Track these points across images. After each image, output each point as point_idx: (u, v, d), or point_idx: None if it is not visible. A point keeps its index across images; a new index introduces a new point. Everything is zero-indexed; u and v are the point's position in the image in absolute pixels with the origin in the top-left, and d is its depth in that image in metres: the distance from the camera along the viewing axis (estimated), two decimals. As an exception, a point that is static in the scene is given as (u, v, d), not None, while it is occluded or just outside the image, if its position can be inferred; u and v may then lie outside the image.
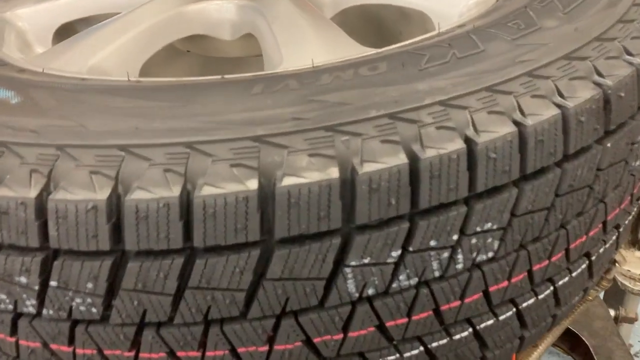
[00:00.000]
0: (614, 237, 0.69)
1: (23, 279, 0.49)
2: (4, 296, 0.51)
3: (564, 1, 0.66)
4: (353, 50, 0.66)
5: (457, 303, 0.56)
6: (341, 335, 0.54)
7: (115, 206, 0.47)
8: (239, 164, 0.47)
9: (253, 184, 0.46)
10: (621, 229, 0.69)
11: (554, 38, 0.59)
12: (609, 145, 0.57)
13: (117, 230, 0.47)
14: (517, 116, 0.51)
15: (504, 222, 0.53)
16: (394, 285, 0.52)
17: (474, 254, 0.53)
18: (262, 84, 0.54)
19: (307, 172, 0.46)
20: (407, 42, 0.62)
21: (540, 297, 0.62)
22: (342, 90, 0.52)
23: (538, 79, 0.54)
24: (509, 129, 0.50)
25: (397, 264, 0.51)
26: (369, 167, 0.47)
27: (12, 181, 0.47)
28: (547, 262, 0.59)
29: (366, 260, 0.50)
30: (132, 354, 0.53)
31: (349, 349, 0.55)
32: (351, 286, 0.51)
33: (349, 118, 0.50)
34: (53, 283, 0.50)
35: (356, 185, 0.47)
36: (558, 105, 0.52)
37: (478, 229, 0.52)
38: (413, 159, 0.48)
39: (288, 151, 0.47)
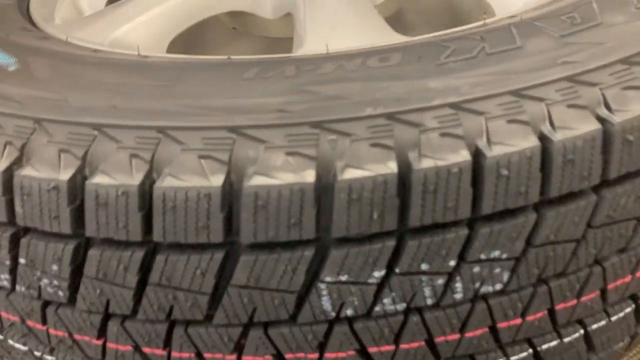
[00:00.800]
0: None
1: (-6, 253, 0.48)
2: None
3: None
4: (387, 38, 0.59)
5: (456, 336, 0.48)
6: (316, 355, 0.48)
7: (79, 189, 0.44)
8: (207, 156, 0.42)
9: (218, 180, 0.41)
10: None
11: (614, 37, 0.50)
12: (667, 172, 0.47)
13: (79, 215, 0.44)
14: (546, 128, 0.43)
15: (517, 251, 0.45)
16: (377, 308, 0.46)
17: (477, 284, 0.46)
18: (258, 69, 0.49)
19: (280, 173, 0.41)
20: (440, 32, 0.54)
21: (566, 340, 0.53)
22: (342, 81, 0.46)
23: (581, 85, 0.45)
24: (530, 143, 0.42)
25: (381, 286, 0.44)
26: (350, 174, 0.41)
27: (-16, 151, 0.46)
28: (574, 302, 0.50)
29: (343, 278, 0.44)
30: (100, 342, 0.51)
31: (327, 371, 0.49)
32: (326, 304, 0.45)
33: (341, 114, 0.43)
34: (22, 260, 0.48)
35: (335, 193, 0.41)
36: (601, 119, 0.44)
37: (483, 257, 0.44)
38: (405, 169, 0.41)
39: (265, 147, 0.42)
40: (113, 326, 0.49)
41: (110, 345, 0.51)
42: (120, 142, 0.44)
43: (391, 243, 0.43)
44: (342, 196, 0.41)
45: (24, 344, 0.57)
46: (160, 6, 0.71)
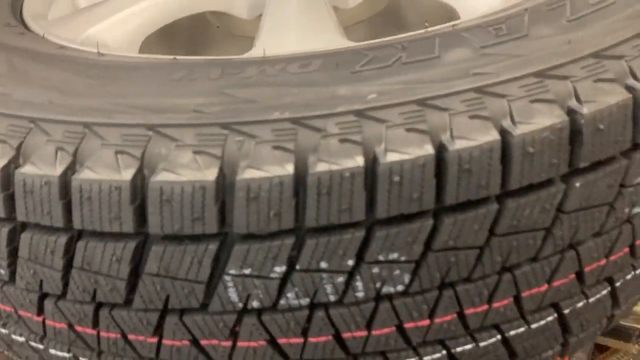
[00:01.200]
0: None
1: None
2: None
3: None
4: (332, 43, 0.61)
5: (363, 333, 0.50)
6: (230, 343, 0.51)
7: (11, 177, 0.48)
8: (123, 151, 0.45)
9: (128, 175, 0.44)
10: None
11: (536, 49, 0.50)
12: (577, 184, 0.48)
13: (11, 201, 0.48)
14: (445, 137, 0.44)
15: (415, 254, 0.46)
16: (282, 302, 0.48)
17: (378, 285, 0.48)
18: (187, 70, 0.52)
19: (184, 170, 0.44)
20: (369, 41, 0.56)
21: (482, 344, 0.54)
22: (259, 86, 0.49)
23: (488, 96, 0.46)
24: (424, 151, 0.43)
25: (283, 281, 0.47)
26: (249, 174, 0.43)
27: None
28: (485, 307, 0.52)
29: (247, 272, 0.46)
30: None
31: (240, 358, 0.52)
32: (233, 295, 0.48)
33: (250, 117, 0.46)
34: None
35: (235, 192, 0.44)
36: (503, 131, 0.45)
37: (381, 258, 0.46)
38: (301, 171, 0.43)
39: (176, 145, 0.45)
40: (48, 304, 0.53)
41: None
42: (50, 136, 0.48)
43: (290, 241, 0.45)
44: (242, 194, 0.43)
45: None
46: (134, 6, 0.74)
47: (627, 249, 0.56)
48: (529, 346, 0.58)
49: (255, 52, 0.62)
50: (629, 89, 0.48)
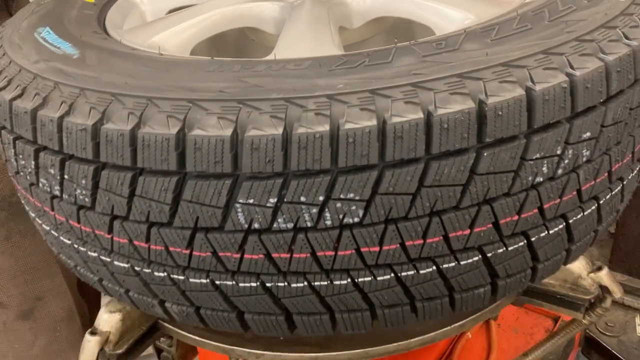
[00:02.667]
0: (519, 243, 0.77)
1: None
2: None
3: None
4: (327, 51, 0.84)
5: (332, 253, 0.71)
6: (239, 255, 0.73)
7: (98, 132, 0.71)
8: (172, 116, 0.68)
9: (174, 130, 0.67)
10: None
11: (461, 59, 0.71)
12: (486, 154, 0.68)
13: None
14: (387, 116, 0.65)
15: (366, 195, 0.67)
16: (275, 225, 0.70)
17: (341, 216, 0.69)
18: (217, 65, 0.75)
19: (211, 129, 0.66)
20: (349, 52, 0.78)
21: (422, 272, 0.74)
22: (264, 76, 0.71)
23: (420, 89, 0.67)
24: (371, 123, 0.64)
25: (275, 209, 0.68)
26: (253, 133, 0.65)
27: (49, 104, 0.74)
28: (421, 241, 0.72)
29: (250, 201, 0.68)
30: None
31: (247, 268, 0.74)
32: (241, 218, 0.70)
33: (256, 96, 0.68)
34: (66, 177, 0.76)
35: (243, 144, 0.66)
36: (428, 113, 0.65)
37: (342, 196, 0.67)
38: (288, 133, 0.65)
39: (206, 112, 0.68)
40: (117, 224, 0.76)
41: (115, 238, 0.78)
42: (124, 105, 0.71)
43: (280, 180, 0.67)
44: (247, 146, 0.65)
45: (68, 239, 0.86)
46: (186, 22, 0.98)
47: (536, 210, 0.76)
48: (462, 281, 0.78)
49: (270, 57, 0.84)
50: (527, 88, 0.68)
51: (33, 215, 0.93)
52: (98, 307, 1.94)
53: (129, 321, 1.05)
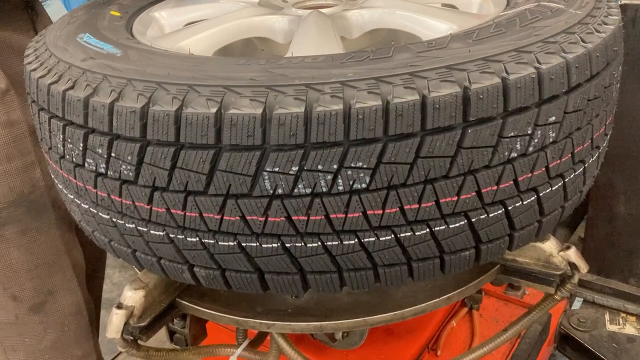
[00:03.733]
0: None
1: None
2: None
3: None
4: (332, 51, 0.99)
5: (342, 215, 0.85)
6: (264, 218, 0.86)
7: (146, 114, 0.84)
8: (211, 99, 0.82)
9: (213, 110, 0.80)
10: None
11: (449, 55, 0.86)
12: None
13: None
14: (390, 97, 0.80)
15: (372, 164, 0.81)
16: (295, 191, 0.83)
17: (351, 182, 0.82)
18: (246, 59, 0.89)
19: (244, 108, 0.80)
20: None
21: (417, 234, 0.88)
22: (288, 68, 0.85)
23: (416, 77, 0.82)
24: (377, 103, 0.78)
25: (297, 176, 0.82)
26: (279, 111, 0.79)
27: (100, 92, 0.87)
28: (417, 206, 0.86)
29: (276, 169, 0.82)
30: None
31: (270, 230, 0.87)
32: (267, 185, 0.83)
33: (282, 83, 0.82)
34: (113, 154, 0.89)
35: (271, 121, 0.79)
36: (423, 96, 0.80)
37: (352, 165, 0.81)
38: (309, 111, 0.79)
39: (240, 96, 0.81)
40: (157, 195, 0.89)
41: (154, 208, 0.90)
42: (168, 92, 0.84)
43: (301, 151, 0.80)
44: (275, 122, 0.79)
45: (107, 214, 0.98)
46: (208, 31, 1.13)
47: (511, 182, 0.90)
48: (450, 243, 0.92)
49: (288, 54, 0.99)
50: (502, 78, 0.83)
51: (72, 197, 1.05)
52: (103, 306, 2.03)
53: (150, 298, 1.16)
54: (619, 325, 1.97)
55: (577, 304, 2.19)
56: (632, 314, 2.06)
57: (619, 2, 1.79)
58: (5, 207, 1.46)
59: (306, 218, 0.85)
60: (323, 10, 1.23)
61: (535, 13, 1.00)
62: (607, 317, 2.02)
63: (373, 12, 1.21)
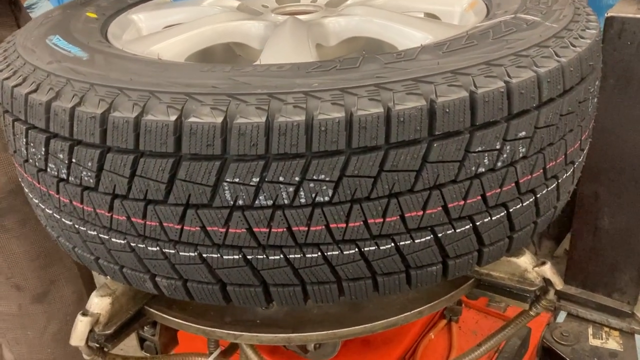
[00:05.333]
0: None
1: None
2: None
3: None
4: (304, 59, 0.97)
5: (304, 228, 0.83)
6: (224, 230, 0.84)
7: (106, 119, 0.83)
8: (171, 106, 0.80)
9: (173, 118, 0.78)
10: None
11: (416, 67, 0.84)
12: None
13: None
14: (354, 110, 0.78)
15: (335, 177, 0.79)
16: (256, 202, 0.81)
17: (313, 195, 0.81)
18: (210, 66, 0.87)
19: (205, 117, 0.78)
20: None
21: (382, 248, 0.86)
22: (251, 76, 0.84)
23: (382, 89, 0.80)
24: (340, 115, 0.77)
25: (258, 188, 0.80)
26: (240, 121, 0.77)
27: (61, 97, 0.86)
28: (381, 220, 0.84)
29: (236, 180, 0.80)
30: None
31: (231, 241, 0.85)
32: (227, 196, 0.81)
33: (244, 91, 0.80)
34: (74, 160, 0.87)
35: (232, 130, 0.78)
36: (388, 109, 0.78)
37: (315, 177, 0.79)
38: (270, 122, 0.77)
39: (201, 104, 0.80)
40: (117, 203, 0.87)
41: (115, 216, 0.88)
42: (130, 98, 0.82)
43: (262, 162, 0.78)
44: (235, 132, 0.77)
45: (69, 220, 0.96)
46: (181, 35, 1.11)
47: (479, 197, 0.89)
48: (416, 258, 0.90)
49: (258, 62, 0.97)
50: (470, 92, 0.81)
51: (36, 201, 1.03)
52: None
53: (117, 305, 1.14)
54: (602, 339, 1.96)
55: (561, 316, 2.18)
56: (615, 329, 2.04)
57: (606, 15, 1.78)
58: (4, 196, 1.48)
59: (268, 230, 0.84)
60: (301, 17, 1.22)
61: (510, 25, 0.98)
62: (590, 331, 2.01)
63: (350, 20, 1.19)
